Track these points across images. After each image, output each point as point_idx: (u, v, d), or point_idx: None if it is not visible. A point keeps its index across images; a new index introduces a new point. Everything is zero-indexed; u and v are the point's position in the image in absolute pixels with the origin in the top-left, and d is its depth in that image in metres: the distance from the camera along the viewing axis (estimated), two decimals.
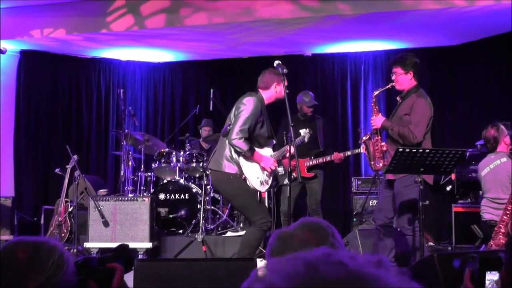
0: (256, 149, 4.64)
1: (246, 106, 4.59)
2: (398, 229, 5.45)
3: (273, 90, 4.76)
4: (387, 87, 4.91)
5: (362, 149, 5.81)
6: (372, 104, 4.85)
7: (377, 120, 4.75)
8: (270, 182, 4.80)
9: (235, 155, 4.58)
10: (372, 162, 4.80)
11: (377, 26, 7.27)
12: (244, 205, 4.71)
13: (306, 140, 5.30)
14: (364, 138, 4.88)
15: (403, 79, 4.74)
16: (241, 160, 4.58)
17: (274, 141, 4.92)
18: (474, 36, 7.60)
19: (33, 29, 7.64)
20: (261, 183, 4.69)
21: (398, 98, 4.88)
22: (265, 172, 4.71)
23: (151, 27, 7.30)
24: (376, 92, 4.88)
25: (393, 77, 4.78)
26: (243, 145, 4.50)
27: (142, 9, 7.25)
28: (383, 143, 4.76)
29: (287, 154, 4.85)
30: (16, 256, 1.60)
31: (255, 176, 4.65)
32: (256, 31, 7.50)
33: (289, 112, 4.83)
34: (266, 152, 4.78)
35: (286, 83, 4.75)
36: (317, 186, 6.31)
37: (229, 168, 4.58)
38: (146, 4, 7.23)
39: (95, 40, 7.98)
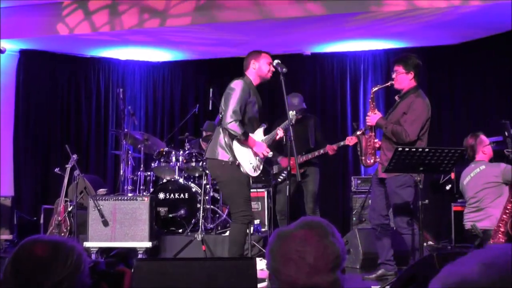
0: (250, 134, 4.65)
1: (234, 89, 4.63)
2: (395, 229, 5.47)
3: (252, 68, 4.81)
4: (386, 84, 4.93)
5: (346, 141, 5.84)
6: (370, 101, 4.86)
7: (373, 117, 4.77)
8: (261, 167, 4.81)
9: (229, 141, 4.58)
10: (363, 158, 4.82)
11: (376, 26, 7.27)
12: (231, 194, 4.72)
13: (293, 122, 5.28)
14: (358, 132, 4.89)
15: (403, 79, 4.75)
16: (235, 145, 4.59)
17: (265, 125, 4.95)
18: (473, 35, 7.61)
19: (33, 29, 7.64)
20: (254, 168, 4.70)
21: (396, 98, 4.89)
22: (258, 158, 4.73)
23: (151, 27, 7.31)
24: (375, 89, 4.90)
25: (394, 75, 4.79)
26: (237, 128, 4.52)
27: (142, 9, 7.25)
28: (376, 140, 4.77)
29: (277, 137, 4.95)
30: (34, 254, 1.60)
31: (248, 161, 4.66)
32: (256, 30, 7.50)
33: (288, 110, 4.83)
34: (258, 136, 4.80)
35: (284, 81, 4.74)
36: (312, 185, 6.29)
37: (222, 155, 4.60)
38: (147, 3, 7.23)
39: (95, 40, 7.98)
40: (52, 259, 1.59)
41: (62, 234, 7.03)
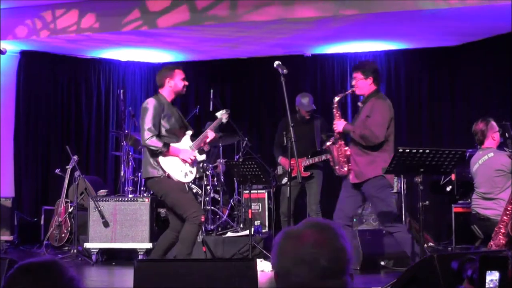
0: (173, 144, 4.75)
1: (148, 108, 4.73)
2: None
3: (168, 86, 4.87)
4: (348, 92, 5.00)
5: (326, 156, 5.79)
6: (334, 110, 4.87)
7: (339, 124, 4.79)
8: (195, 171, 4.92)
9: (153, 156, 4.72)
10: (337, 167, 4.84)
11: (377, 26, 7.27)
12: (174, 203, 4.81)
13: (224, 121, 5.30)
14: (328, 143, 4.91)
15: (363, 84, 4.79)
16: (161, 159, 4.71)
17: (191, 131, 5.01)
18: (474, 36, 7.61)
19: (33, 30, 7.64)
20: (185, 174, 4.81)
21: (359, 104, 4.92)
22: (187, 164, 4.82)
23: (151, 28, 7.31)
24: (337, 98, 4.92)
25: (353, 82, 4.85)
26: (156, 143, 4.65)
27: (143, 10, 7.25)
28: (346, 148, 4.79)
29: (207, 140, 5.03)
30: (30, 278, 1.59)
31: (178, 169, 4.78)
32: (256, 31, 7.50)
33: (289, 112, 4.83)
34: (185, 143, 4.88)
35: (285, 83, 4.75)
36: (316, 187, 6.31)
37: (152, 172, 4.74)
38: (148, 3, 7.24)
39: (95, 41, 7.98)
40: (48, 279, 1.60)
41: (63, 235, 7.04)
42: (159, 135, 4.70)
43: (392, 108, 4.80)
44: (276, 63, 4.80)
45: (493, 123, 5.42)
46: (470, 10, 6.54)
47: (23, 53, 8.35)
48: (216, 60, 8.86)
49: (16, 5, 7.41)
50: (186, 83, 4.93)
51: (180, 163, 4.79)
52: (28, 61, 8.40)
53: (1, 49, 4.83)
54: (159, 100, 4.79)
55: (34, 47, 8.24)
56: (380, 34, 7.66)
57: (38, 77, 8.49)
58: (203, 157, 5.07)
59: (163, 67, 5.09)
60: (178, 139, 4.85)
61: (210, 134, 5.03)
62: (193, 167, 4.90)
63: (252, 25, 7.22)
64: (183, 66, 9.04)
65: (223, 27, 7.30)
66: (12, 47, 7.93)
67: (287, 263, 1.53)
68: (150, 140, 4.65)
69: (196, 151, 4.91)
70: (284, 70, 4.73)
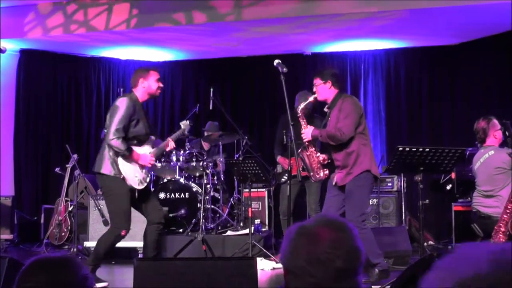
0: (135, 148, 4.79)
1: (119, 107, 4.74)
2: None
3: (141, 86, 4.87)
4: (310, 99, 4.94)
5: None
6: (299, 118, 4.87)
7: (307, 132, 4.80)
8: (148, 180, 4.98)
9: (113, 156, 4.74)
10: (312, 174, 4.85)
11: (376, 25, 7.27)
12: (109, 208, 4.90)
13: (186, 132, 5.34)
14: (298, 151, 4.91)
15: (323, 89, 4.78)
16: (120, 161, 4.74)
17: (153, 137, 5.05)
18: (474, 35, 7.60)
19: (32, 28, 7.64)
20: (140, 181, 4.85)
21: (325, 109, 4.90)
22: (143, 171, 4.88)
23: (152, 26, 7.31)
24: (301, 106, 4.92)
25: (314, 89, 4.83)
26: (120, 145, 4.67)
27: (143, 9, 7.25)
28: (318, 154, 4.80)
29: (167, 149, 5.07)
30: (44, 275, 1.58)
31: (134, 175, 4.82)
32: (256, 30, 7.50)
33: (289, 110, 4.83)
34: (145, 149, 4.92)
35: (284, 82, 4.75)
36: (315, 186, 6.29)
37: (106, 169, 4.75)
38: (148, 3, 7.23)
39: (95, 40, 7.97)
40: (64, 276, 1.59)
41: (63, 233, 7.04)
42: (125, 138, 4.71)
43: (358, 104, 4.79)
44: (276, 61, 4.80)
45: (495, 121, 5.41)
46: (470, 8, 6.54)
47: (23, 52, 8.35)
48: (216, 58, 8.85)
49: (16, 4, 7.40)
50: (161, 84, 4.92)
51: (137, 169, 4.84)
52: (28, 59, 8.40)
53: (1, 48, 4.84)
54: (131, 100, 4.78)
55: (34, 46, 8.24)
56: (380, 33, 7.65)
57: (38, 76, 8.49)
58: (159, 165, 5.11)
59: (138, 68, 5.11)
60: (141, 144, 4.88)
61: (170, 144, 5.07)
62: (148, 175, 4.96)
63: (252, 24, 7.22)
64: (183, 64, 9.17)
65: (224, 26, 7.29)
66: (12, 45, 7.93)
67: (301, 262, 1.49)
68: (114, 141, 4.66)
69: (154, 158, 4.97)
70: (284, 69, 4.73)
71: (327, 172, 4.83)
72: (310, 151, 4.83)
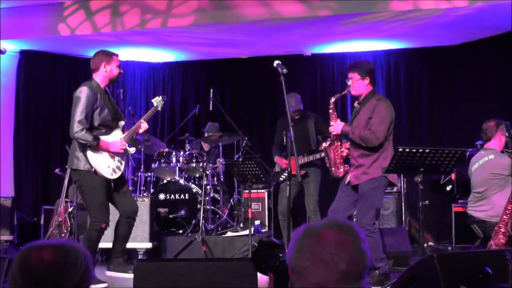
0: (104, 136, 4.69)
1: (80, 98, 4.64)
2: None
3: (103, 71, 4.83)
4: (344, 92, 4.94)
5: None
6: (330, 111, 4.84)
7: (337, 126, 4.77)
8: (123, 167, 4.88)
9: (82, 149, 4.65)
10: (333, 169, 4.84)
11: (377, 26, 7.27)
12: (85, 201, 4.83)
13: (159, 109, 5.25)
14: (324, 144, 4.90)
15: (360, 85, 4.77)
16: (89, 153, 4.65)
17: (123, 122, 4.96)
18: (474, 36, 7.60)
19: (33, 29, 7.64)
20: (113, 170, 4.77)
21: (356, 104, 4.88)
22: (116, 159, 4.78)
23: (152, 27, 7.31)
24: (333, 99, 4.89)
25: (349, 83, 4.80)
26: (86, 136, 4.58)
27: (144, 10, 7.25)
28: (343, 149, 4.78)
29: (140, 131, 4.96)
30: (45, 260, 1.58)
31: (106, 165, 4.73)
32: (256, 31, 7.50)
33: (288, 111, 4.82)
34: (115, 136, 4.83)
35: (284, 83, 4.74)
36: (313, 186, 6.27)
37: (77, 164, 4.68)
38: (149, 4, 7.24)
39: (96, 41, 7.97)
40: (64, 263, 1.59)
41: (63, 234, 7.04)
42: (90, 128, 4.62)
43: (393, 109, 4.79)
44: (276, 62, 4.79)
45: (504, 127, 5.38)
46: (470, 9, 6.54)
47: (23, 53, 8.35)
48: (216, 59, 8.86)
49: (16, 5, 7.40)
50: (121, 71, 4.87)
51: (108, 159, 4.74)
52: (28, 60, 8.39)
53: (1, 48, 4.85)
54: (92, 88, 4.69)
55: (34, 47, 8.24)
56: (380, 34, 7.65)
57: (38, 76, 8.48)
58: (133, 149, 5.04)
59: (99, 51, 4.97)
60: (110, 131, 4.79)
61: (143, 125, 4.97)
62: (122, 162, 4.85)
63: (252, 26, 7.22)
64: (183, 65, 9.16)
65: (224, 27, 7.30)
66: (12, 46, 7.94)
67: (305, 261, 1.51)
68: (80, 133, 4.57)
69: (127, 143, 4.85)
70: (284, 70, 4.72)
71: (347, 168, 4.81)
72: (336, 145, 4.80)
